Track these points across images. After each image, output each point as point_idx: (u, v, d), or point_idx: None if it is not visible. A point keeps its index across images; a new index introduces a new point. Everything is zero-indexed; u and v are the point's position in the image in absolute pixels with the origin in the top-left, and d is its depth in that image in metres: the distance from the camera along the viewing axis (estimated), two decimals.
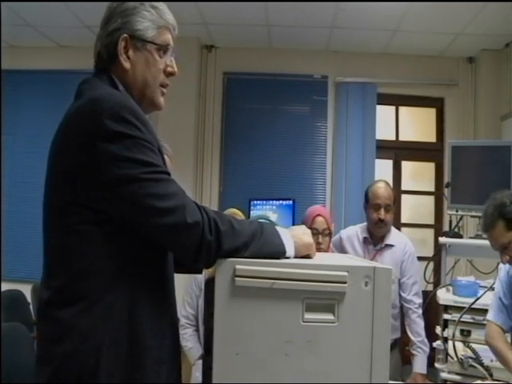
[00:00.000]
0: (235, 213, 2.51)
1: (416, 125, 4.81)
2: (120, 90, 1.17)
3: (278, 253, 1.11)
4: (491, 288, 2.25)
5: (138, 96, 1.20)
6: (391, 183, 4.30)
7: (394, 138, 4.72)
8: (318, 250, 2.22)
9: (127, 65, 1.17)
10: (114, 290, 1.06)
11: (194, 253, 1.06)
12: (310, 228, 1.45)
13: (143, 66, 1.19)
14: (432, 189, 4.71)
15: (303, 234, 1.18)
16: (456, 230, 2.88)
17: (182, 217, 1.04)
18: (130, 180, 1.03)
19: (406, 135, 4.74)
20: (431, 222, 4.66)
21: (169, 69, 1.23)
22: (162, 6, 1.22)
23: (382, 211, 2.70)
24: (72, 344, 1.03)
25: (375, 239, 2.78)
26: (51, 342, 1.07)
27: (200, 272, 1.34)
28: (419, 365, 2.65)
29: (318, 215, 2.52)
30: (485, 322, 2.28)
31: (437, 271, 2.92)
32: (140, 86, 1.20)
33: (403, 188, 4.68)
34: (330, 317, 1.04)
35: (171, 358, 1.16)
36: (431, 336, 2.68)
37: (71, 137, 1.08)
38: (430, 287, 3.04)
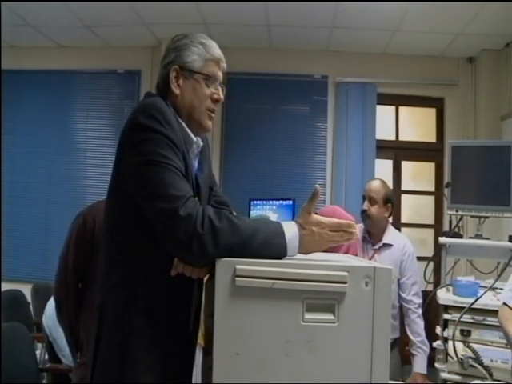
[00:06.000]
0: None
1: (416, 125, 4.81)
2: (171, 111, 1.31)
3: (279, 255, 1.11)
4: (491, 288, 2.24)
5: (187, 118, 1.35)
6: (391, 183, 4.31)
7: (393, 138, 4.72)
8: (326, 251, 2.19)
9: (177, 91, 1.35)
10: (130, 267, 1.24)
11: (184, 245, 1.09)
12: None
13: (191, 92, 1.36)
14: (432, 189, 4.71)
15: (324, 233, 1.16)
16: (456, 230, 2.88)
17: (175, 207, 1.11)
18: (142, 163, 1.17)
19: (406, 135, 4.74)
20: (431, 221, 4.65)
21: (215, 96, 1.39)
22: (210, 42, 1.40)
23: (366, 202, 2.73)
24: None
25: (373, 238, 2.79)
26: None
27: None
28: (419, 365, 2.65)
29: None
30: (485, 323, 2.29)
31: (437, 271, 2.91)
32: (188, 109, 1.36)
33: (403, 188, 4.68)
34: (330, 317, 1.04)
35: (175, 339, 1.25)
36: (431, 336, 2.68)
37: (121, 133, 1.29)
38: (430, 287, 3.04)
